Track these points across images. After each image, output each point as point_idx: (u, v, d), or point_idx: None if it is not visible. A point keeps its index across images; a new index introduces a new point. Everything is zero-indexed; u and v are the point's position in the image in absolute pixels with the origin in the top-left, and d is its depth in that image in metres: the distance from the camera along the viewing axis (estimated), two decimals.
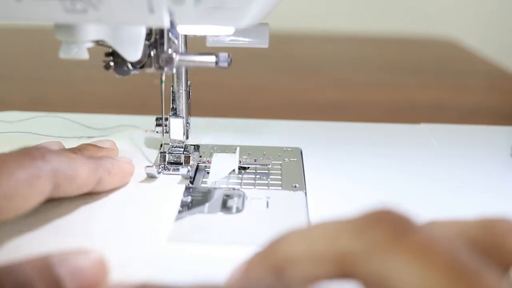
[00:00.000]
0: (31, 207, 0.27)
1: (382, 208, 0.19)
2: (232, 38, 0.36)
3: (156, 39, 0.33)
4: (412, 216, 0.18)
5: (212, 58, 0.33)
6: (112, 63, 0.32)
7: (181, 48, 0.35)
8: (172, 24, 0.27)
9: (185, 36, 0.35)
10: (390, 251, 0.17)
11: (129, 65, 0.32)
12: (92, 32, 0.29)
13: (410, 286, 0.16)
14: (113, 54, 0.32)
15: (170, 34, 0.32)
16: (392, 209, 0.18)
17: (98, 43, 0.30)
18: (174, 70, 0.34)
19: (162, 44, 0.32)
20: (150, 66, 0.33)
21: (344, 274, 0.19)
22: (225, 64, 0.33)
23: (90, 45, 0.29)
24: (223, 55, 0.33)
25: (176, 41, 0.33)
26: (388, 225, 0.18)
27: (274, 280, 0.20)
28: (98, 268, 0.23)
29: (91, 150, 0.34)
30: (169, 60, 0.32)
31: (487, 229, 0.20)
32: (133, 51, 0.30)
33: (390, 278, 0.17)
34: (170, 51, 0.32)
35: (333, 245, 0.19)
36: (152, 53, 0.32)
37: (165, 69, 0.33)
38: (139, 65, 0.32)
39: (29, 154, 0.27)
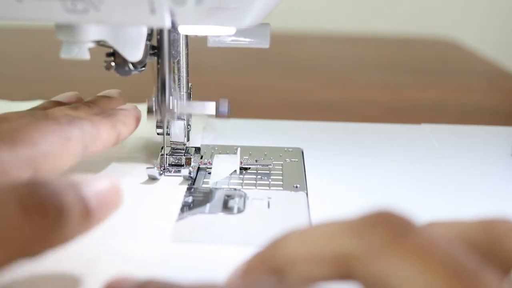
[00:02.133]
0: (66, 167, 0.30)
1: (382, 210, 0.19)
2: (233, 38, 0.36)
3: (158, 88, 0.33)
4: (411, 218, 0.18)
5: (211, 111, 0.34)
6: (113, 63, 0.32)
7: (183, 96, 0.37)
8: (173, 24, 0.27)
9: (186, 36, 0.35)
10: (390, 253, 0.17)
11: (130, 65, 0.32)
12: (93, 32, 0.29)
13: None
14: (114, 55, 0.32)
15: (172, 85, 0.34)
16: (391, 210, 0.18)
17: (99, 43, 0.30)
18: (176, 119, 0.35)
19: (164, 93, 0.33)
20: (152, 113, 0.34)
21: (343, 275, 0.19)
22: (225, 114, 0.34)
23: (91, 45, 0.29)
24: (223, 104, 0.34)
25: (177, 89, 0.35)
26: (387, 226, 0.18)
27: (274, 281, 0.20)
28: (114, 191, 0.25)
29: (104, 102, 0.38)
30: (170, 112, 0.33)
31: (487, 230, 0.20)
32: (134, 51, 0.30)
33: (390, 280, 0.17)
34: (171, 99, 0.33)
35: (332, 246, 0.19)
36: (154, 104, 0.33)
37: (166, 116, 0.34)
38: (140, 65, 0.32)
39: (57, 120, 0.30)
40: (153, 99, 0.34)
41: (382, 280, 0.17)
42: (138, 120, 0.37)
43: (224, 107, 0.34)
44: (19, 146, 0.27)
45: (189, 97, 0.38)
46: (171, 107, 0.33)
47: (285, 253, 0.20)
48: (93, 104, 0.36)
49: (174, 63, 0.36)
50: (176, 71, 0.37)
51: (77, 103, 0.36)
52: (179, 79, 0.37)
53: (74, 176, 0.24)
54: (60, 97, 0.37)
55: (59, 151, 0.29)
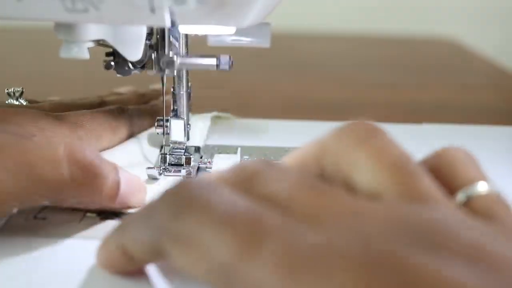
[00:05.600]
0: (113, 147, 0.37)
1: (361, 120, 0.22)
2: (234, 37, 0.36)
3: (157, 41, 0.33)
4: (383, 128, 0.22)
5: (213, 61, 0.33)
6: (112, 63, 0.32)
7: (182, 50, 0.35)
8: (173, 24, 0.27)
9: (186, 35, 0.35)
10: (356, 150, 0.21)
11: (130, 65, 0.32)
12: (92, 31, 0.28)
13: (365, 180, 0.20)
14: (114, 54, 0.32)
15: (171, 37, 0.33)
16: (368, 121, 0.22)
17: (99, 42, 0.30)
18: (175, 73, 0.34)
19: (163, 46, 0.32)
20: (151, 68, 0.33)
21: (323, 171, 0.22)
22: (226, 67, 0.33)
23: (91, 44, 0.29)
24: (224, 58, 0.33)
25: (177, 44, 0.33)
26: (359, 131, 0.21)
27: None
28: (141, 188, 0.31)
29: (151, 95, 0.45)
30: (170, 62, 0.32)
31: (439, 160, 0.22)
32: (134, 51, 0.30)
33: (351, 171, 0.21)
34: (171, 53, 0.32)
35: (316, 149, 0.23)
36: (153, 56, 0.33)
37: (166, 71, 0.33)
38: (140, 65, 0.32)
39: (111, 111, 0.37)
40: (153, 54, 0.33)
41: (345, 172, 0.21)
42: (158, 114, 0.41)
43: (226, 63, 0.33)
44: (77, 129, 0.33)
45: (189, 96, 0.37)
46: (170, 55, 0.32)
47: (294, 160, 0.24)
48: (141, 96, 0.44)
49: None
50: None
51: (129, 94, 0.44)
52: (179, 78, 0.37)
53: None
54: (118, 90, 0.45)
55: (108, 136, 0.36)
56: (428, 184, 0.20)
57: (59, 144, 0.26)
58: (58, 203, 0.27)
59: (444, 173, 0.22)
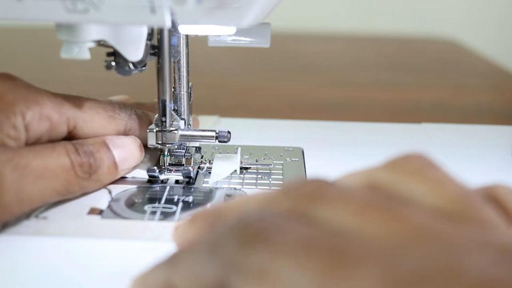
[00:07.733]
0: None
1: (412, 151, 0.22)
2: (234, 38, 0.36)
3: (159, 116, 0.35)
4: (434, 159, 0.22)
5: (212, 133, 0.36)
6: (113, 63, 0.32)
7: (186, 124, 0.37)
8: (173, 24, 0.27)
9: (187, 36, 0.35)
10: (415, 179, 0.20)
11: (131, 65, 0.32)
12: (93, 32, 0.29)
13: (428, 205, 0.19)
14: (115, 54, 0.32)
15: (172, 112, 0.35)
16: (420, 152, 0.22)
17: (100, 43, 0.30)
18: (176, 146, 0.36)
19: (165, 120, 0.35)
20: (154, 141, 0.35)
21: None
22: (225, 140, 0.36)
23: (92, 45, 0.29)
24: (223, 132, 0.36)
25: (178, 119, 0.36)
26: (416, 161, 0.21)
27: None
28: (134, 147, 0.35)
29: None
30: (172, 137, 0.35)
31: (489, 194, 0.22)
32: (134, 51, 0.30)
33: (411, 197, 0.20)
34: (172, 127, 0.35)
35: (369, 176, 0.22)
36: (155, 129, 0.35)
37: (167, 145, 0.35)
38: (140, 65, 0.32)
39: (110, 104, 0.37)
40: (154, 123, 0.36)
41: (405, 197, 0.20)
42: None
43: (224, 136, 0.36)
44: (64, 107, 0.34)
45: (189, 96, 0.38)
46: (172, 131, 0.35)
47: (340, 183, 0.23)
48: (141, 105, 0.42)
49: (174, 62, 0.36)
50: (176, 70, 0.37)
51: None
52: (179, 78, 0.37)
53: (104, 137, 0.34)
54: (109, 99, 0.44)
55: (101, 123, 0.36)
56: (492, 215, 0.20)
57: (61, 151, 0.31)
58: (70, 195, 0.32)
59: (500, 204, 0.21)
